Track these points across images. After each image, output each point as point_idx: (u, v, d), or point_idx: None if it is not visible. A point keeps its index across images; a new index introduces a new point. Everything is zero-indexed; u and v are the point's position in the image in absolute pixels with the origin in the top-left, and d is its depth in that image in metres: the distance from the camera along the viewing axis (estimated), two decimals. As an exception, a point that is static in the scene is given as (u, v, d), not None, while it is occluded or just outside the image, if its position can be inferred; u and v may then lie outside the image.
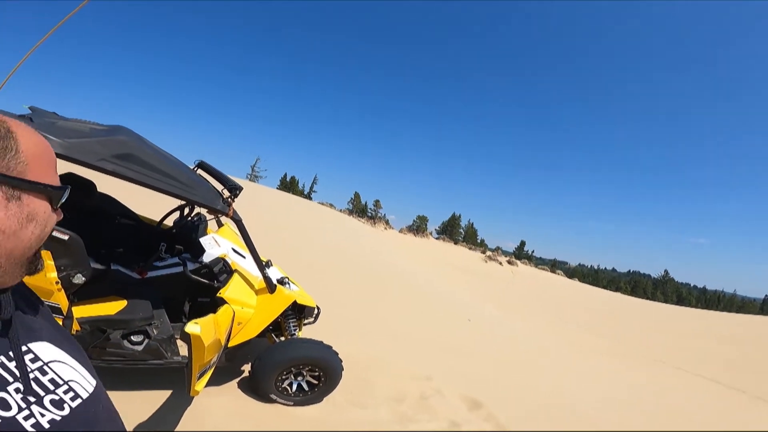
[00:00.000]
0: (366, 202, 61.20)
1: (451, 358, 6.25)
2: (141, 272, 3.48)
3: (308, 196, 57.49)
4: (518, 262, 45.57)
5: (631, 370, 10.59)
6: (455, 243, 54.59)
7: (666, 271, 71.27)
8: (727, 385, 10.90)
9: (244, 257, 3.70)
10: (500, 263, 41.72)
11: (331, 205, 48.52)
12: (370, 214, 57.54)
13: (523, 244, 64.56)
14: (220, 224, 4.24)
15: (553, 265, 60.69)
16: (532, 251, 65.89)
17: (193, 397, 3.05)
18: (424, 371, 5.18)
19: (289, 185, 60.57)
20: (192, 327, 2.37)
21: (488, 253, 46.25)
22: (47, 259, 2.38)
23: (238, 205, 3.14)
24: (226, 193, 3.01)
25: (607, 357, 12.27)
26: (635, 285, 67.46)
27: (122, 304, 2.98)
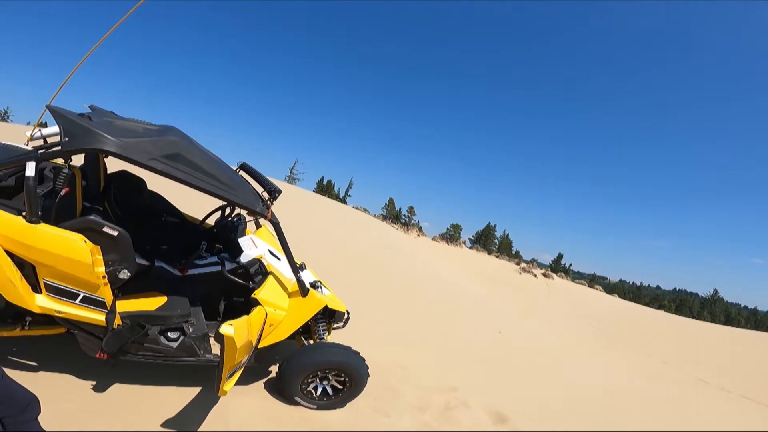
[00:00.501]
0: (400, 209, 61.18)
1: (480, 370, 6.16)
2: (182, 270, 3.60)
3: (343, 200, 58.07)
4: (554, 275, 44.19)
5: (671, 389, 10.05)
6: (489, 253, 53.60)
7: (715, 290, 67.02)
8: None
9: (279, 259, 3.78)
10: (535, 275, 40.59)
11: (366, 210, 48.77)
12: (403, 221, 57.47)
13: (560, 257, 62.46)
14: (258, 225, 4.35)
15: (592, 280, 58.42)
16: (570, 265, 63.63)
17: (217, 397, 3.13)
18: (451, 381, 5.13)
19: (325, 188, 61.40)
20: (226, 328, 2.43)
21: (523, 264, 45.12)
22: (96, 253, 2.50)
23: (276, 206, 3.23)
24: (266, 196, 3.11)
25: (645, 375, 11.71)
26: (680, 303, 63.78)
27: (162, 300, 3.09)
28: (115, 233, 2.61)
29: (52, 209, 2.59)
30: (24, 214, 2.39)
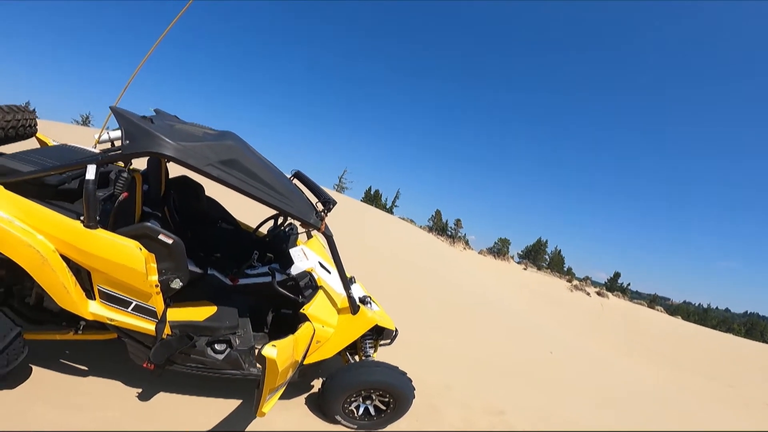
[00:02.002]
0: (447, 220, 60.36)
1: (529, 392, 5.81)
2: (233, 279, 3.58)
3: (390, 210, 58.13)
4: (609, 293, 41.75)
5: (736, 414, 9.07)
6: (538, 269, 51.60)
7: (791, 314, 60.38)
8: None
9: (329, 272, 3.69)
10: (588, 294, 38.51)
11: (412, 221, 48.53)
12: (449, 233, 56.62)
13: (617, 275, 58.96)
14: (309, 235, 4.28)
15: (652, 300, 54.51)
16: (628, 284, 59.72)
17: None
18: (498, 404, 4.87)
19: (372, 198, 61.79)
20: (269, 350, 2.35)
21: (575, 282, 43.01)
22: (150, 261, 2.48)
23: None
24: (320, 207, 3.00)
25: (708, 398, 10.68)
26: (751, 327, 57.93)
27: (212, 310, 3.05)
28: (170, 241, 2.58)
29: (111, 214, 2.59)
30: (82, 218, 2.37)
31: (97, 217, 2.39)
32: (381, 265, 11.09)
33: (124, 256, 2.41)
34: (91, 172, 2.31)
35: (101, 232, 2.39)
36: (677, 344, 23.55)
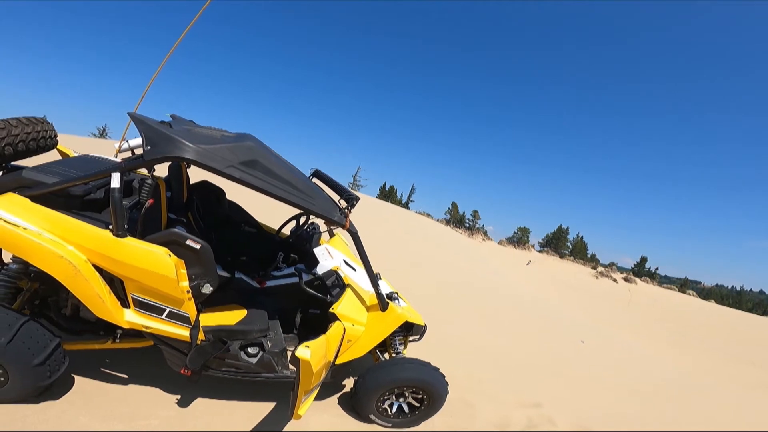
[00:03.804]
0: (464, 213, 59.96)
1: (562, 383, 5.67)
2: (260, 281, 3.57)
3: (406, 206, 58.04)
4: (637, 279, 40.87)
5: None
6: (561, 257, 50.87)
7: (830, 294, 58.15)
8: None
9: (355, 270, 3.65)
10: (614, 280, 37.82)
11: (428, 215, 48.39)
12: (467, 225, 56.23)
13: (643, 260, 57.54)
14: (331, 234, 4.26)
15: (683, 285, 53.13)
16: (656, 269, 58.25)
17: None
18: (532, 396, 4.77)
19: (387, 194, 61.78)
20: (303, 351, 2.32)
21: (600, 268, 42.24)
22: (181, 267, 2.47)
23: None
24: (343, 203, 2.95)
25: (743, 385, 10.31)
26: (788, 308, 55.95)
27: (242, 313, 3.04)
28: (198, 246, 2.57)
29: (138, 222, 2.60)
30: (111, 227, 2.37)
31: (126, 225, 2.39)
32: (400, 261, 11.03)
33: (154, 263, 2.41)
34: (115, 181, 2.31)
35: (130, 240, 2.39)
36: (712, 330, 22.92)
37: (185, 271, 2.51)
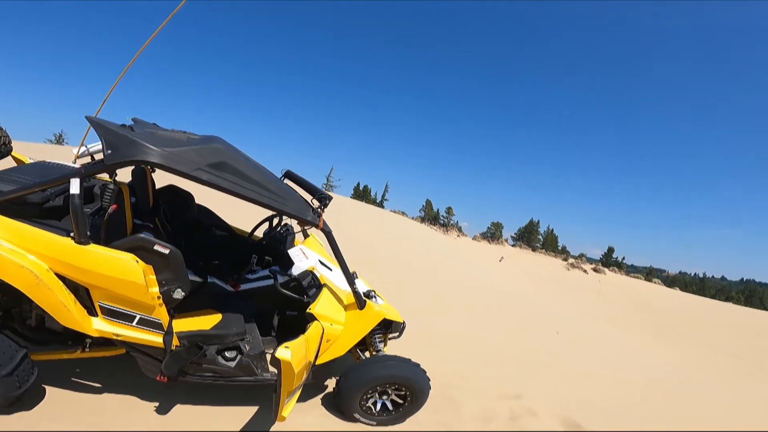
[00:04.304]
0: (438, 210, 60.58)
1: (541, 374, 5.78)
2: (234, 285, 3.52)
3: (380, 205, 58.18)
4: (606, 269, 42.22)
5: (754, 390, 9.15)
6: (533, 250, 52.02)
7: (786, 279, 61.66)
8: None
9: (331, 270, 3.62)
10: (585, 271, 38.93)
11: (403, 213, 48.60)
12: (442, 222, 56.83)
13: (611, 250, 59.56)
14: (305, 234, 4.23)
15: (649, 273, 55.27)
16: (623, 258, 60.43)
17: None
18: (513, 388, 4.83)
19: (362, 194, 61.75)
20: (283, 352, 2.29)
21: (570, 260, 43.41)
22: (149, 273, 2.41)
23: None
24: (316, 203, 2.92)
25: (716, 371, 10.81)
26: (750, 295, 58.89)
27: (217, 318, 2.99)
28: (167, 251, 2.51)
29: (101, 228, 2.52)
30: (72, 235, 2.30)
31: (88, 232, 2.32)
32: (377, 260, 11.03)
33: (120, 269, 2.34)
34: (75, 186, 2.23)
35: (94, 248, 2.33)
36: (679, 317, 23.89)
37: (154, 277, 2.46)
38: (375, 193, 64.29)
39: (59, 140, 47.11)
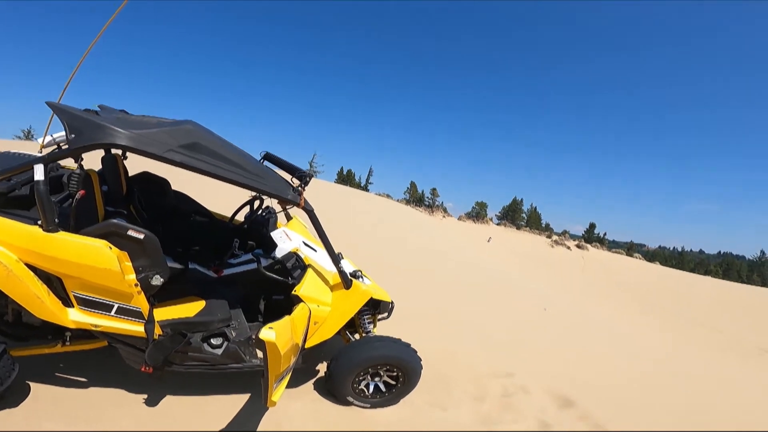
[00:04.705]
0: (423, 191, 60.54)
1: (531, 351, 5.81)
2: (217, 270, 3.44)
3: (365, 188, 57.90)
4: (588, 245, 42.97)
5: (735, 363, 9.47)
6: (518, 228, 52.52)
7: (762, 252, 63.61)
8: None
9: (315, 251, 3.56)
10: (568, 248, 39.56)
11: (388, 196, 48.48)
12: (427, 203, 56.88)
13: (592, 226, 60.43)
14: (289, 217, 4.14)
15: (630, 248, 56.35)
16: (604, 234, 61.37)
17: None
18: (504, 366, 4.83)
19: (346, 178, 61.29)
20: (267, 333, 2.21)
21: (554, 237, 44.05)
22: (124, 260, 2.33)
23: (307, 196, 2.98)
24: (296, 182, 2.86)
25: (700, 346, 11.13)
26: (727, 268, 60.55)
27: (201, 304, 2.92)
28: (141, 236, 2.42)
29: (70, 215, 2.41)
30: (39, 223, 2.21)
31: (56, 220, 2.22)
32: (363, 243, 10.97)
33: (93, 257, 2.25)
34: (39, 173, 2.15)
35: (63, 235, 2.23)
36: (662, 291, 24.47)
37: (130, 264, 2.37)
38: (359, 177, 63.91)
39: (28, 136, 45.60)
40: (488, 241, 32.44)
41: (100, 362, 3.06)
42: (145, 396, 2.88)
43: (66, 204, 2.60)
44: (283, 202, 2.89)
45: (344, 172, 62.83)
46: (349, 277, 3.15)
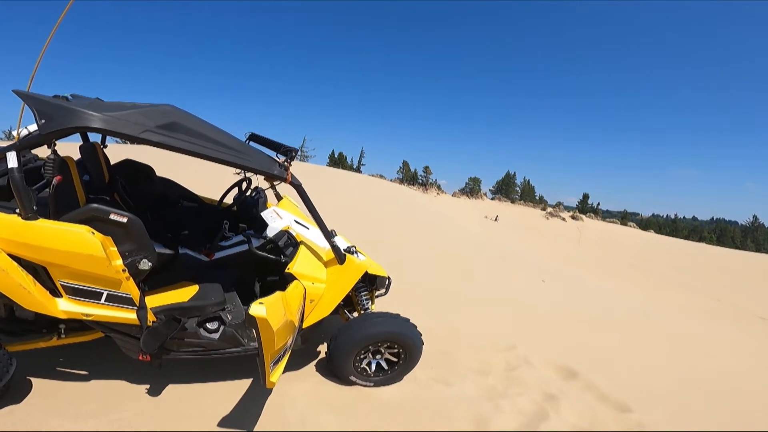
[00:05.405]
0: (415, 170, 60.38)
1: (532, 323, 5.80)
2: (208, 254, 3.38)
3: (358, 170, 57.64)
4: (583, 216, 43.26)
5: (734, 331, 9.58)
6: (512, 202, 52.73)
7: (755, 217, 64.23)
8: None
9: (308, 228, 3.49)
10: (563, 219, 39.81)
11: (382, 176, 48.34)
12: (421, 181, 56.80)
13: (586, 197, 60.75)
14: (279, 197, 4.06)
15: (624, 217, 56.92)
16: (598, 204, 61.78)
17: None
18: (506, 339, 4.80)
19: (338, 161, 60.93)
20: (256, 308, 2.14)
21: (549, 209, 44.25)
22: (109, 245, 2.26)
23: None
24: (281, 158, 2.79)
25: (704, 316, 11.25)
26: (721, 234, 61.25)
27: (194, 289, 2.87)
28: (124, 220, 2.35)
29: (50, 202, 2.34)
30: (18, 211, 2.14)
31: (35, 207, 2.15)
32: (358, 223, 10.89)
33: (76, 243, 2.18)
34: (12, 160, 2.08)
35: (43, 222, 2.17)
36: (658, 260, 24.72)
37: (116, 249, 2.29)
38: (351, 160, 63.57)
39: (9, 136, 44.90)
40: (495, 219, 32.46)
41: (99, 354, 3.01)
42: (147, 386, 2.83)
43: (45, 192, 2.50)
44: (270, 178, 2.86)
45: (336, 155, 62.39)
46: (343, 252, 3.09)
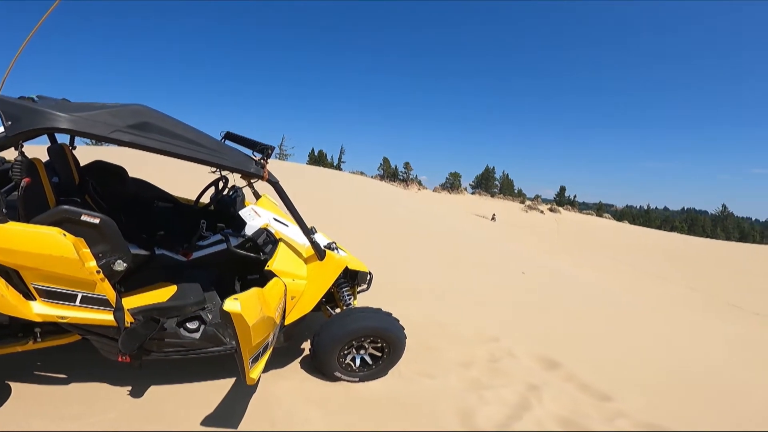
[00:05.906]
0: (396, 166, 60.43)
1: (514, 315, 5.89)
2: (186, 254, 3.33)
3: (338, 167, 57.37)
4: (560, 208, 44.10)
5: (707, 319, 9.90)
6: (492, 196, 53.34)
7: (724, 206, 66.68)
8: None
9: (287, 226, 3.47)
10: (541, 212, 40.53)
11: (362, 173, 48.25)
12: (401, 177, 56.90)
13: (563, 190, 61.93)
14: (257, 196, 4.02)
15: (599, 209, 58.13)
16: (574, 196, 63.03)
17: (256, 385, 2.87)
18: (489, 331, 4.87)
19: (317, 159, 60.49)
20: (230, 304, 2.13)
21: (527, 202, 44.97)
22: (81, 246, 2.22)
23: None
24: (257, 156, 2.77)
25: (679, 305, 11.59)
26: (692, 223, 63.23)
27: (172, 289, 2.84)
28: (96, 220, 2.32)
29: (18, 204, 2.29)
30: None
31: (4, 210, 2.11)
32: (339, 219, 10.86)
33: (47, 245, 2.14)
34: None
35: (13, 225, 2.12)
36: (634, 250, 25.36)
37: (89, 250, 2.25)
38: (331, 157, 63.21)
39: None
40: (492, 218, 31.95)
41: (80, 357, 2.95)
42: (130, 387, 2.79)
43: (14, 195, 2.43)
44: (247, 176, 2.84)
45: (315, 154, 61.92)
46: (323, 248, 3.09)
